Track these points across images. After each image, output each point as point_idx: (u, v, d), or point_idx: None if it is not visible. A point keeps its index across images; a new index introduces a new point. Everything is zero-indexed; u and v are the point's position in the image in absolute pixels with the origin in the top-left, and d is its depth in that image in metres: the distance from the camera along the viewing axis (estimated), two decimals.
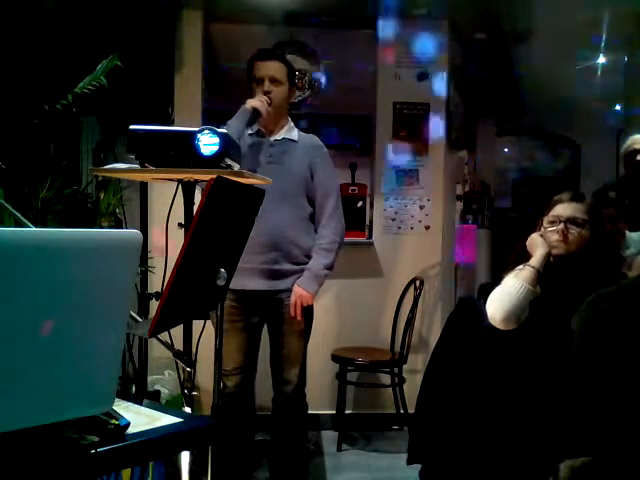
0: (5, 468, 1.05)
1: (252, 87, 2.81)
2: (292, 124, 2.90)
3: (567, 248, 2.14)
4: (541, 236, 2.19)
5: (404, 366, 3.82)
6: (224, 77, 4.46)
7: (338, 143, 5.18)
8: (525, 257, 2.19)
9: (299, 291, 2.74)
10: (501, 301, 2.07)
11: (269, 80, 2.76)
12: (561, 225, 2.14)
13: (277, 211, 2.70)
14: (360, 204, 4.21)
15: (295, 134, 2.87)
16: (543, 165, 8.24)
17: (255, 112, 2.67)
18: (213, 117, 3.61)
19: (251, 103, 2.69)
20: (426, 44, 4.13)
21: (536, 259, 2.12)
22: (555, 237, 2.15)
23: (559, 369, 1.98)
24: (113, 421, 1.18)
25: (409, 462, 2.33)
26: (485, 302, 2.13)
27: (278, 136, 2.84)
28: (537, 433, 2.00)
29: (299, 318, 2.75)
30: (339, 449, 3.71)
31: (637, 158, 3.34)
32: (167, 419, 1.36)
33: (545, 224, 2.19)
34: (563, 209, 2.18)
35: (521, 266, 2.14)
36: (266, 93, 2.74)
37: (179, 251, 1.52)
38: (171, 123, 3.72)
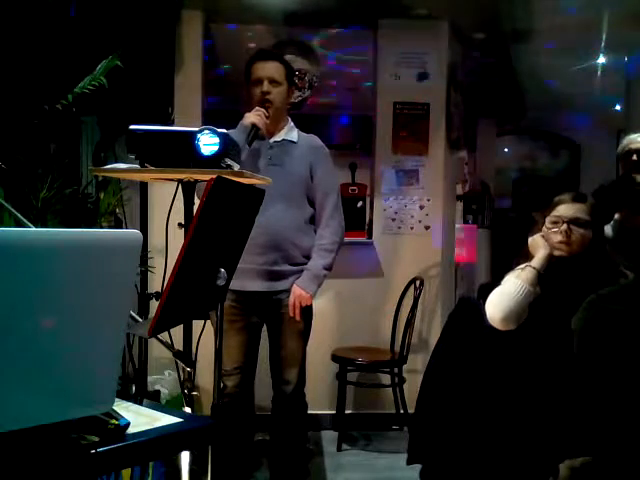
0: (5, 468, 1.05)
1: (250, 88, 2.80)
2: (292, 125, 2.89)
3: (569, 249, 2.13)
4: (543, 237, 2.18)
5: (404, 366, 3.82)
6: (224, 77, 4.46)
7: (338, 143, 5.18)
8: (528, 259, 2.19)
9: (298, 291, 2.74)
10: (500, 302, 2.07)
11: (268, 81, 2.75)
12: (564, 226, 2.13)
13: (277, 212, 2.70)
14: (360, 204, 4.21)
15: (295, 135, 2.86)
16: (543, 165, 8.24)
17: (254, 128, 2.65)
18: (213, 117, 3.61)
19: (249, 119, 2.66)
20: (426, 44, 4.14)
21: (537, 260, 2.12)
22: (558, 238, 2.14)
23: (559, 369, 1.98)
24: (113, 421, 1.18)
25: (409, 462, 2.33)
26: (485, 302, 2.13)
27: (277, 137, 2.83)
28: (537, 433, 2.00)
29: (298, 318, 2.75)
30: (339, 449, 3.71)
31: (633, 158, 3.34)
32: (167, 419, 1.36)
33: (548, 224, 2.18)
34: (565, 209, 2.17)
35: (522, 266, 2.14)
36: (264, 94, 2.74)
37: (179, 251, 1.52)
38: (171, 123, 3.72)
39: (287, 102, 2.89)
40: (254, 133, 2.65)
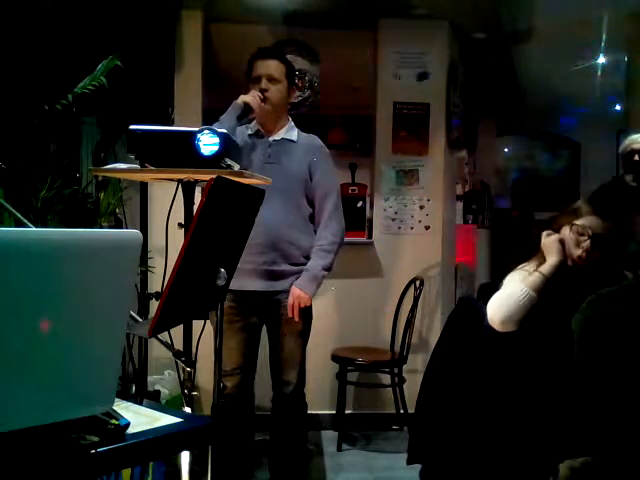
0: (5, 468, 1.05)
1: (250, 86, 2.80)
2: (292, 124, 2.89)
3: (584, 262, 2.11)
4: (560, 241, 2.12)
5: (404, 366, 3.82)
6: (224, 77, 4.46)
7: (338, 143, 5.18)
8: (526, 258, 2.17)
9: (297, 292, 2.73)
10: (501, 305, 2.06)
11: (266, 78, 2.75)
12: (587, 243, 2.08)
13: (276, 212, 2.69)
14: (360, 204, 4.21)
15: (294, 134, 2.86)
16: (543, 165, 8.23)
17: (246, 107, 2.66)
18: (213, 117, 3.60)
19: (243, 98, 2.68)
20: (426, 44, 4.14)
21: (548, 267, 2.08)
22: (578, 252, 2.09)
23: (559, 369, 1.98)
24: (113, 421, 1.18)
25: (409, 462, 2.33)
26: (485, 302, 2.13)
27: (277, 136, 2.83)
28: (537, 433, 2.00)
29: (297, 319, 2.74)
30: (339, 449, 3.71)
31: (635, 158, 3.34)
32: (167, 419, 1.36)
33: (573, 233, 2.10)
34: (593, 222, 2.10)
35: (530, 267, 2.11)
36: (263, 91, 2.74)
37: (179, 251, 1.53)
38: (171, 123, 3.72)
39: (287, 101, 2.89)
40: (245, 112, 2.66)
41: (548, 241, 2.14)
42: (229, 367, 2.76)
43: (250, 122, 2.82)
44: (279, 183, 2.62)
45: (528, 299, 2.04)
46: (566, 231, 2.13)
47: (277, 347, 2.82)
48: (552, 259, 2.09)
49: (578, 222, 2.12)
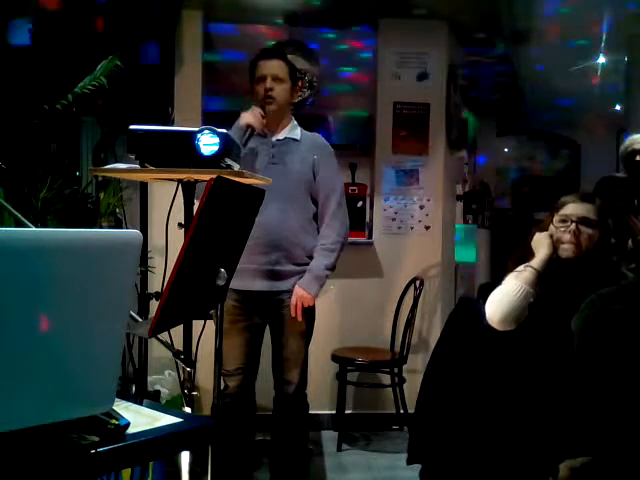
0: (5, 468, 1.05)
1: (254, 86, 2.80)
2: (295, 123, 2.89)
3: (577, 250, 2.12)
4: (550, 236, 2.16)
5: (404, 366, 3.82)
6: (224, 77, 4.46)
7: (338, 143, 5.19)
8: (527, 259, 2.17)
9: (300, 292, 2.73)
10: (499, 303, 2.06)
11: (271, 78, 2.76)
12: (573, 225, 2.11)
13: (280, 212, 2.70)
14: (360, 204, 4.21)
15: (298, 133, 2.86)
16: (543, 165, 8.23)
17: (249, 128, 2.63)
18: (213, 117, 3.59)
19: (244, 120, 2.65)
20: (426, 44, 4.14)
21: (538, 260, 2.11)
22: (567, 237, 2.11)
23: (559, 369, 1.98)
24: (113, 421, 1.18)
25: (409, 462, 2.33)
26: (485, 302, 2.13)
27: (280, 136, 2.83)
28: (537, 433, 2.00)
29: (299, 319, 2.74)
30: (339, 449, 3.71)
31: (636, 158, 3.33)
32: (167, 419, 1.36)
33: (556, 223, 2.15)
34: (574, 209, 2.14)
35: (522, 267, 2.13)
36: (267, 90, 2.74)
37: (179, 251, 1.52)
38: (171, 123, 3.72)
39: (290, 100, 2.89)
40: (249, 134, 2.64)
41: (537, 238, 2.17)
42: (231, 367, 2.76)
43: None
44: (283, 183, 2.62)
45: (524, 294, 2.04)
46: (551, 225, 2.16)
47: (280, 347, 2.82)
48: (541, 253, 2.12)
49: (558, 213, 2.16)
